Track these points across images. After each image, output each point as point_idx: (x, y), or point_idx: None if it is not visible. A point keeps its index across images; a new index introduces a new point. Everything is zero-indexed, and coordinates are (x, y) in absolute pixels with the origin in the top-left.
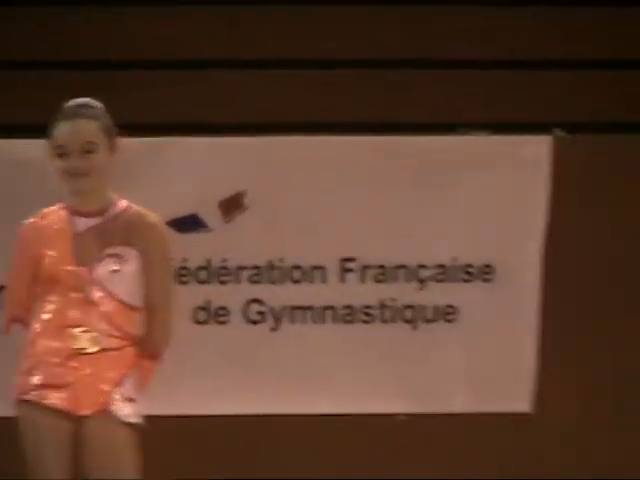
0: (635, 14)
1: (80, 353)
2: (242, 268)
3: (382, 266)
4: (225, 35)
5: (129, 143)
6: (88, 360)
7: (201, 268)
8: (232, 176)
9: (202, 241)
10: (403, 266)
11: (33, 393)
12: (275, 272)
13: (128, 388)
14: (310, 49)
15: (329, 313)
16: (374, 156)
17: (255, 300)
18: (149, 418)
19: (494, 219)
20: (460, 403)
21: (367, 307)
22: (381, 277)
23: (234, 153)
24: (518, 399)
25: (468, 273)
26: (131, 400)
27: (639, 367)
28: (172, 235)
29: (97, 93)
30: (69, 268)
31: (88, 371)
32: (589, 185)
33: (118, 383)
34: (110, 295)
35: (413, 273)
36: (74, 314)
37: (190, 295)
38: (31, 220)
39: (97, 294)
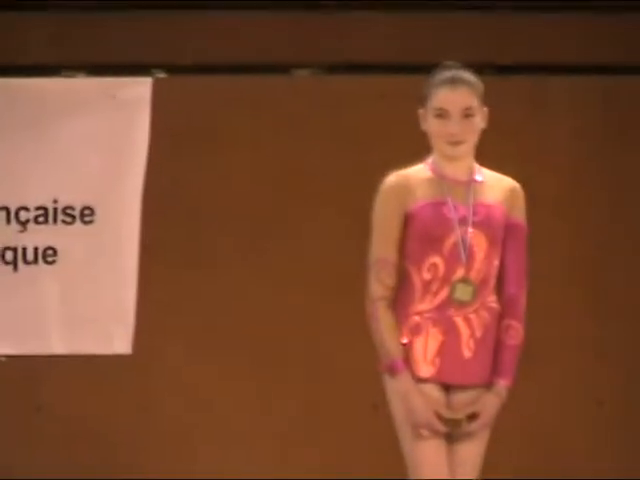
0: None
1: None
2: None
3: None
4: None
5: None
6: None
7: None
8: None
9: None
10: (4, 208)
11: None
12: None
13: None
14: None
15: None
16: None
17: None
18: None
19: (95, 161)
20: (59, 345)
21: None
22: None
23: None
24: (119, 341)
25: (69, 215)
26: None
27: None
28: None
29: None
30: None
31: None
32: (187, 126)
33: None
34: None
35: (14, 215)
36: None
37: None
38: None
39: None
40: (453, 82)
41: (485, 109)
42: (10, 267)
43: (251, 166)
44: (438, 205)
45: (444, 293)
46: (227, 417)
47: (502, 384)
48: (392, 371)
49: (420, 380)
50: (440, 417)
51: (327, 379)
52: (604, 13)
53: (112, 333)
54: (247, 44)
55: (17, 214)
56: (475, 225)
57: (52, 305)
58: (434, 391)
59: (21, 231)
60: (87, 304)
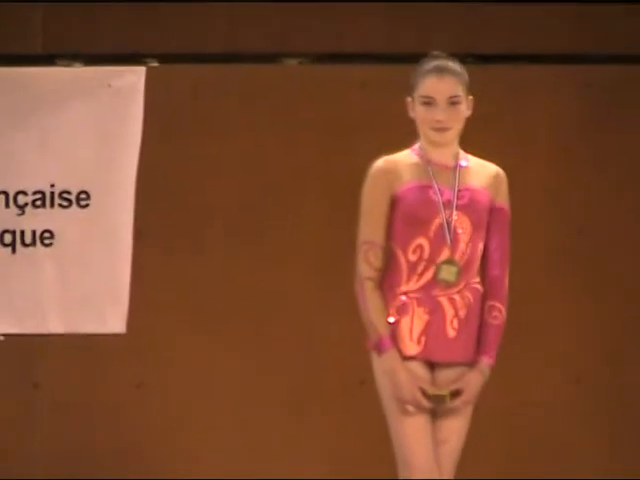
0: None
1: None
2: None
3: None
4: None
5: None
6: None
7: None
8: None
9: None
10: (3, 192)
11: None
12: None
13: None
14: None
15: None
16: None
17: None
18: None
19: (90, 147)
20: (56, 324)
21: None
22: None
23: None
24: (114, 320)
25: (65, 199)
26: None
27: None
28: None
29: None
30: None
31: None
32: (179, 113)
33: None
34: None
35: (13, 199)
36: None
37: None
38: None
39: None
40: (440, 71)
41: (470, 97)
42: (9, 249)
43: (241, 153)
44: (424, 188)
45: (429, 274)
46: (219, 391)
47: (485, 362)
48: (379, 349)
49: (406, 358)
50: (425, 393)
51: (317, 356)
52: (582, 2)
53: (107, 313)
54: (237, 34)
55: (15, 198)
56: (460, 208)
57: (49, 286)
58: (419, 368)
59: (19, 214)
60: (83, 285)
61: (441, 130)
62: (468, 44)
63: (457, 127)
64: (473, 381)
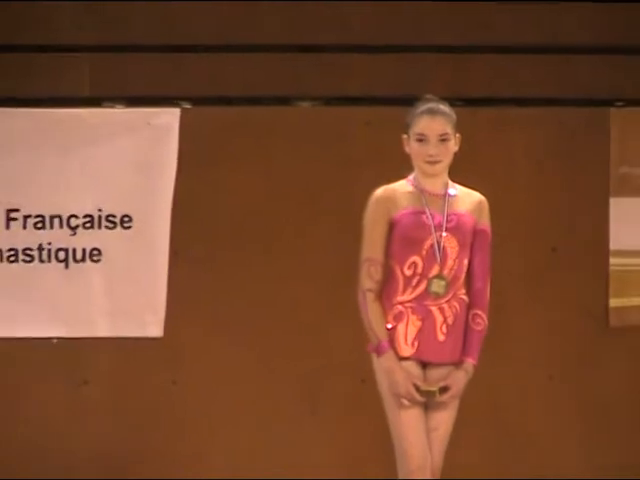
0: None
1: None
2: None
3: (40, 215)
4: None
5: None
6: None
7: None
8: None
9: None
10: (57, 216)
11: None
12: None
13: None
14: None
15: None
16: (37, 126)
17: None
18: None
19: (132, 177)
20: (103, 329)
21: (28, 249)
22: (40, 225)
23: None
24: (152, 326)
25: (111, 222)
26: None
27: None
28: None
29: None
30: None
31: None
32: (209, 148)
33: None
34: None
35: (66, 222)
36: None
37: None
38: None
39: None
40: (432, 112)
41: (458, 135)
42: (62, 265)
43: (261, 182)
44: (418, 214)
45: (422, 287)
46: (240, 386)
47: (469, 362)
48: (378, 351)
49: (401, 358)
50: (418, 389)
51: (323, 357)
52: (552, 53)
53: (146, 320)
54: (255, 80)
55: (68, 221)
56: (448, 230)
57: (97, 296)
58: (413, 368)
59: (72, 235)
60: (126, 296)
61: (432, 163)
62: (457, 89)
63: (446, 161)
64: (459, 379)
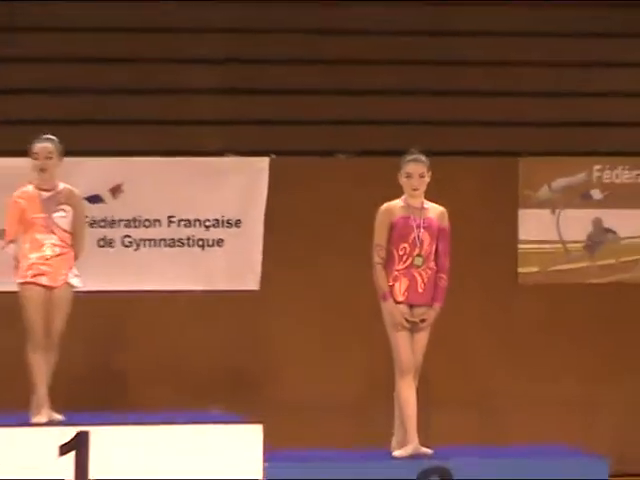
0: None
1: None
2: (121, 220)
3: (187, 219)
4: None
5: None
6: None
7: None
8: (116, 176)
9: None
10: (197, 220)
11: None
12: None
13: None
14: None
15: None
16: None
17: (127, 235)
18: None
19: (240, 202)
20: (223, 284)
21: (180, 240)
22: (187, 224)
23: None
24: (252, 282)
25: (229, 223)
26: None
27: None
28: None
29: None
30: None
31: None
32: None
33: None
34: (60, 227)
35: (204, 223)
36: (42, 238)
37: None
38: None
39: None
40: (415, 160)
41: (429, 173)
42: (200, 248)
43: (315, 212)
44: (406, 218)
45: (409, 261)
46: (313, 327)
47: (437, 305)
48: (384, 298)
49: (397, 302)
50: (407, 320)
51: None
52: (491, 125)
53: (248, 277)
54: (307, 138)
55: (204, 222)
56: (424, 228)
57: (220, 266)
58: (404, 308)
59: (206, 231)
60: (236, 265)
61: (415, 191)
62: (428, 144)
63: (423, 189)
64: (431, 314)
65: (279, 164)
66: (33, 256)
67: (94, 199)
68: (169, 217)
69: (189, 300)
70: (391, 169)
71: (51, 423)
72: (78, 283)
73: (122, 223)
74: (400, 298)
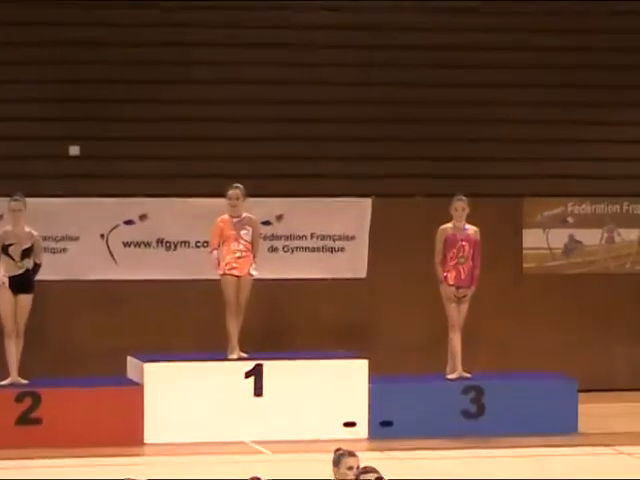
0: None
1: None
2: (282, 235)
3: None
4: None
5: None
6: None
7: None
8: (279, 209)
9: (269, 228)
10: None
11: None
12: None
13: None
14: None
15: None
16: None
17: (285, 245)
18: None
19: (354, 224)
20: (345, 274)
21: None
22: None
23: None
24: (359, 271)
25: (346, 238)
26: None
27: None
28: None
29: None
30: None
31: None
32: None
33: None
34: (244, 239)
35: (313, 237)
36: (234, 246)
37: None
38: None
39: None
40: (459, 199)
41: (468, 207)
42: (330, 252)
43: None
44: (454, 235)
45: (456, 260)
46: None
47: (473, 287)
48: (441, 282)
49: (449, 285)
50: (455, 296)
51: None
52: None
53: (357, 266)
54: (387, 186)
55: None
56: (465, 240)
57: (332, 260)
58: (453, 289)
59: (333, 242)
60: (344, 259)
61: (460, 219)
62: (468, 190)
63: (464, 216)
64: (470, 294)
65: (378, 202)
66: (228, 257)
67: (265, 223)
68: (311, 233)
69: (329, 284)
70: (447, 206)
71: (240, 359)
72: (255, 273)
73: (283, 237)
74: (451, 282)
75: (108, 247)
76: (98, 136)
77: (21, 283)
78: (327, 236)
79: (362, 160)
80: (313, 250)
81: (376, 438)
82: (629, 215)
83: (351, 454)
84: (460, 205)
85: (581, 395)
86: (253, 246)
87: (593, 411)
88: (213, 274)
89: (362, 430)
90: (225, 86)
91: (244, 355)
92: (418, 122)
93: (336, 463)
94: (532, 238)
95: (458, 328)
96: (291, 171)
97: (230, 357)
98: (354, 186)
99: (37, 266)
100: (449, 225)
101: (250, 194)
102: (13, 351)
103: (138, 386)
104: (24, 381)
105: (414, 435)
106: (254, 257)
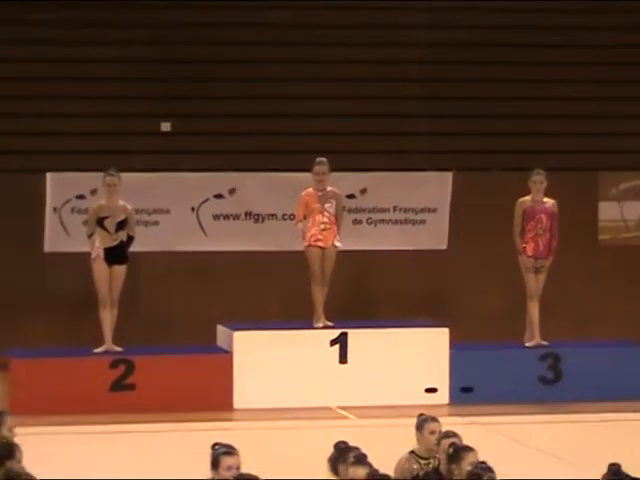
0: None
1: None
2: (365, 208)
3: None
4: None
5: None
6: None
7: None
8: (362, 183)
9: (353, 202)
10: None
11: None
12: None
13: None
14: None
15: None
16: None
17: (369, 217)
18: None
19: (436, 197)
20: (426, 245)
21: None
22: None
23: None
24: (440, 243)
25: (432, 212)
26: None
27: None
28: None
29: None
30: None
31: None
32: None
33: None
34: (329, 212)
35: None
36: (319, 218)
37: None
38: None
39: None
40: (538, 173)
41: (546, 181)
42: (412, 224)
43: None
44: (533, 207)
45: (535, 232)
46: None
47: (551, 258)
48: (520, 254)
49: (527, 256)
50: (533, 266)
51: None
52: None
53: (437, 239)
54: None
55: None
56: (543, 213)
57: (411, 234)
58: (532, 259)
59: (415, 214)
60: (427, 231)
61: (538, 191)
62: (549, 164)
63: (543, 190)
64: (547, 263)
65: (458, 176)
66: (313, 229)
67: (350, 196)
68: (394, 206)
69: (411, 255)
70: (524, 180)
71: (325, 327)
72: (339, 245)
73: (366, 209)
74: (530, 253)
75: (198, 220)
76: (189, 113)
77: (116, 254)
78: (409, 209)
79: (443, 135)
80: (395, 223)
81: (457, 404)
82: None
83: (433, 419)
84: (539, 178)
85: None
86: (337, 219)
87: None
88: (299, 245)
89: (443, 396)
90: (311, 65)
91: (329, 324)
92: (498, 99)
93: (419, 428)
94: (607, 211)
95: (536, 297)
96: (374, 147)
97: (316, 326)
98: (435, 160)
99: (131, 238)
100: (527, 198)
101: (335, 169)
102: (108, 320)
103: (228, 354)
104: (118, 349)
105: (493, 401)
106: (338, 229)
